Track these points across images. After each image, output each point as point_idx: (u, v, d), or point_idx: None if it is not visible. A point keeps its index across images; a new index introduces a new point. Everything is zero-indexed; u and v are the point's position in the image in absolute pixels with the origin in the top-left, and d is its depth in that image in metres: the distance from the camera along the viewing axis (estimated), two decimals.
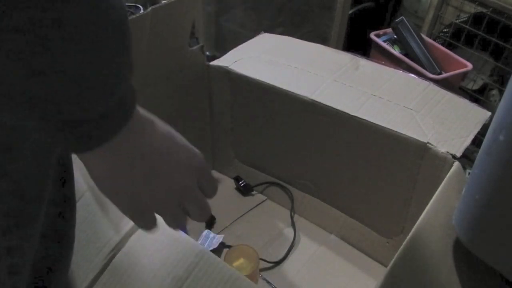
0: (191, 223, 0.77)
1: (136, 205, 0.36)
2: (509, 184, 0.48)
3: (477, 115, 0.80)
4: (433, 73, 1.28)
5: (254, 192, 1.08)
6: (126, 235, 0.58)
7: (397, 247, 0.56)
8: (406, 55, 1.35)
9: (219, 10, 1.61)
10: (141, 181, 0.35)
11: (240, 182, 1.08)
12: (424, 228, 0.58)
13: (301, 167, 0.99)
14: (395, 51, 1.35)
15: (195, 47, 0.95)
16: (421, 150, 0.75)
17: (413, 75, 0.91)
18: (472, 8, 1.38)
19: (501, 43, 1.31)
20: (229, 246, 0.92)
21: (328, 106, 0.83)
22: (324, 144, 0.91)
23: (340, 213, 0.98)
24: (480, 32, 1.35)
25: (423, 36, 1.39)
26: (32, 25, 0.23)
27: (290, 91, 0.87)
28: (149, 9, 0.77)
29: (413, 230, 0.57)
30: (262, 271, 0.90)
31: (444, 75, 1.28)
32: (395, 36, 1.39)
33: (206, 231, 0.95)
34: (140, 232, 0.59)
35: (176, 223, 0.40)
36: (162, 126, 0.36)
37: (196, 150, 0.38)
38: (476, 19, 1.36)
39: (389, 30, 1.42)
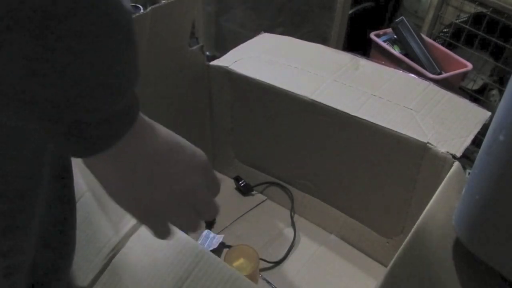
0: None
1: (147, 211, 0.36)
2: (509, 184, 0.48)
3: (477, 115, 0.80)
4: (433, 73, 1.28)
5: (254, 192, 1.08)
6: (126, 235, 0.58)
7: (397, 247, 0.56)
8: (406, 55, 1.35)
9: (219, 10, 1.61)
10: (148, 185, 0.34)
11: (240, 182, 1.08)
12: (424, 228, 0.58)
13: (301, 167, 0.99)
14: (395, 51, 1.35)
15: (195, 47, 0.95)
16: (421, 150, 0.75)
17: (413, 75, 0.91)
18: (472, 8, 1.38)
19: (501, 43, 1.31)
20: (229, 246, 0.92)
21: (328, 106, 0.83)
22: (324, 144, 0.91)
23: (340, 213, 0.98)
24: (480, 32, 1.35)
25: (423, 36, 1.39)
26: (33, 26, 0.23)
27: (290, 91, 0.87)
28: (149, 9, 0.77)
29: (413, 230, 0.57)
30: (262, 271, 0.90)
31: (444, 75, 1.28)
32: (395, 36, 1.39)
33: (206, 231, 0.95)
34: (140, 232, 0.59)
35: (191, 224, 0.39)
36: (162, 128, 0.36)
37: (198, 149, 0.38)
38: (476, 19, 1.36)
39: (389, 30, 1.42)
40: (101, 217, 0.60)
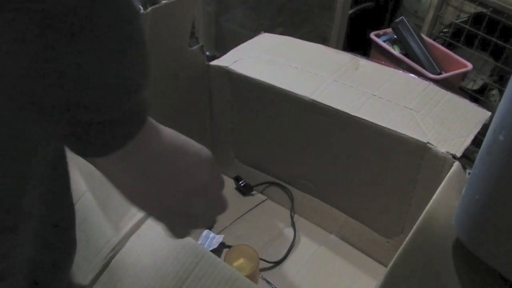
0: None
1: (162, 210, 0.36)
2: (509, 184, 0.48)
3: (477, 115, 0.80)
4: (433, 73, 1.28)
5: (254, 192, 1.08)
6: (126, 235, 0.58)
7: (397, 247, 0.56)
8: (406, 55, 1.35)
9: (219, 10, 1.61)
10: (159, 184, 0.34)
11: (240, 182, 1.08)
12: (424, 228, 0.58)
13: (301, 167, 0.99)
14: (395, 51, 1.35)
15: (195, 47, 0.95)
16: (421, 150, 0.75)
17: (413, 75, 0.91)
18: (472, 8, 1.38)
19: (501, 43, 1.31)
20: (229, 246, 0.92)
21: (328, 106, 0.83)
22: (324, 144, 0.91)
23: (340, 213, 0.98)
24: (480, 32, 1.35)
25: (423, 36, 1.39)
26: (35, 23, 0.23)
27: (290, 91, 0.87)
28: (149, 9, 0.77)
29: (413, 230, 0.57)
30: (262, 271, 0.90)
31: (444, 75, 1.28)
32: (395, 36, 1.39)
33: (206, 231, 0.95)
34: (140, 232, 0.59)
35: (206, 221, 0.39)
36: (165, 128, 0.36)
37: (202, 146, 0.38)
38: (476, 19, 1.36)
39: (389, 30, 1.42)
40: (101, 217, 0.60)
